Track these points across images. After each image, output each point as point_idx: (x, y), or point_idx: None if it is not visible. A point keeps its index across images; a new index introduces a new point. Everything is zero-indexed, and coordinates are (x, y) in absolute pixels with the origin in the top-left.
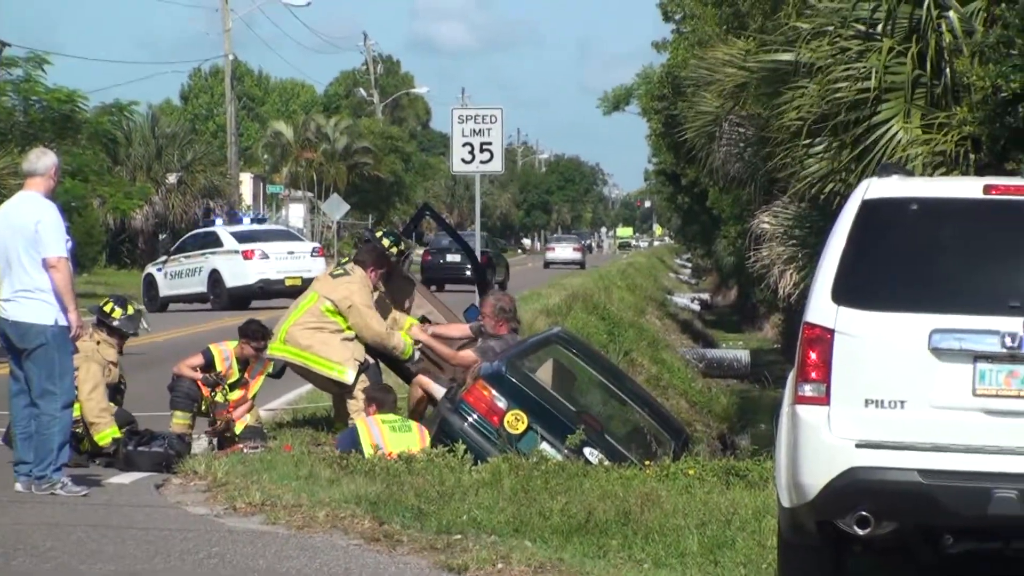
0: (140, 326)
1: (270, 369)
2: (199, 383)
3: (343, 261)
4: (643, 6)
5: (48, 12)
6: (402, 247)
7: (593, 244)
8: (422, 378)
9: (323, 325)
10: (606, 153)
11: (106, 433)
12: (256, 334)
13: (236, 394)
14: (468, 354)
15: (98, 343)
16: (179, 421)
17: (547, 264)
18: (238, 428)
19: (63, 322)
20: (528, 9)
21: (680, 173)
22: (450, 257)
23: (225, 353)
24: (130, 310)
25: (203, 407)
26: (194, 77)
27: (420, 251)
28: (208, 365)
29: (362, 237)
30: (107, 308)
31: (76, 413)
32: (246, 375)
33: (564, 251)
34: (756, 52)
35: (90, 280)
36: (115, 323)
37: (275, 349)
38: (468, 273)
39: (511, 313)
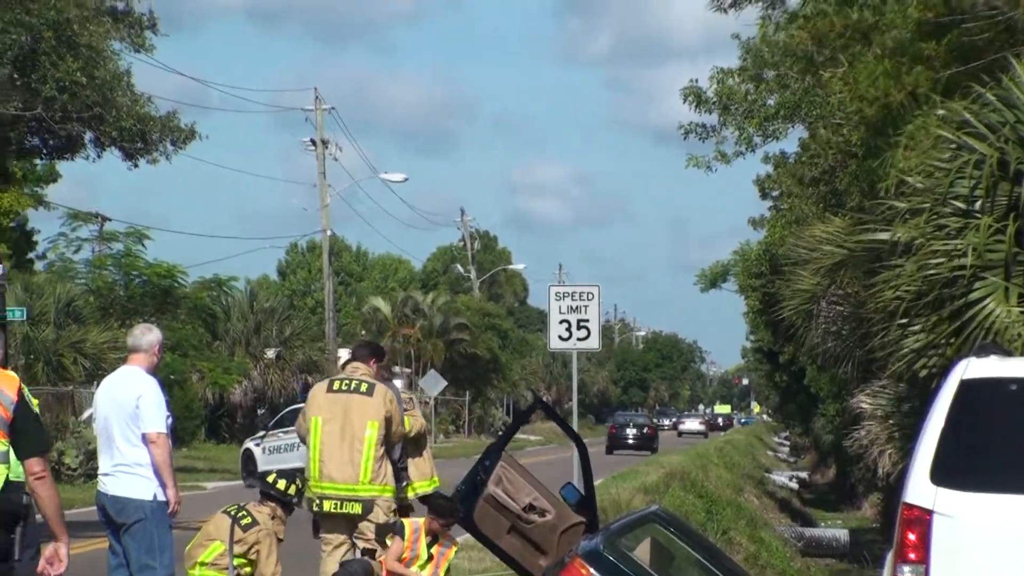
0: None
1: (456, 548)
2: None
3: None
4: (740, 183)
5: (147, 187)
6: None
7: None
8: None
9: (383, 448)
10: (703, 330)
11: None
12: (444, 510)
13: (425, 572)
14: None
15: (273, 518)
16: None
17: (680, 433)
18: None
19: (162, 497)
20: (624, 185)
21: (778, 351)
22: (627, 431)
23: (415, 525)
24: (299, 483)
25: None
26: (291, 252)
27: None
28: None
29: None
30: (280, 485)
31: None
32: (433, 551)
33: (693, 424)
34: (853, 230)
35: (189, 454)
36: (294, 500)
37: (365, 490)
38: (631, 441)
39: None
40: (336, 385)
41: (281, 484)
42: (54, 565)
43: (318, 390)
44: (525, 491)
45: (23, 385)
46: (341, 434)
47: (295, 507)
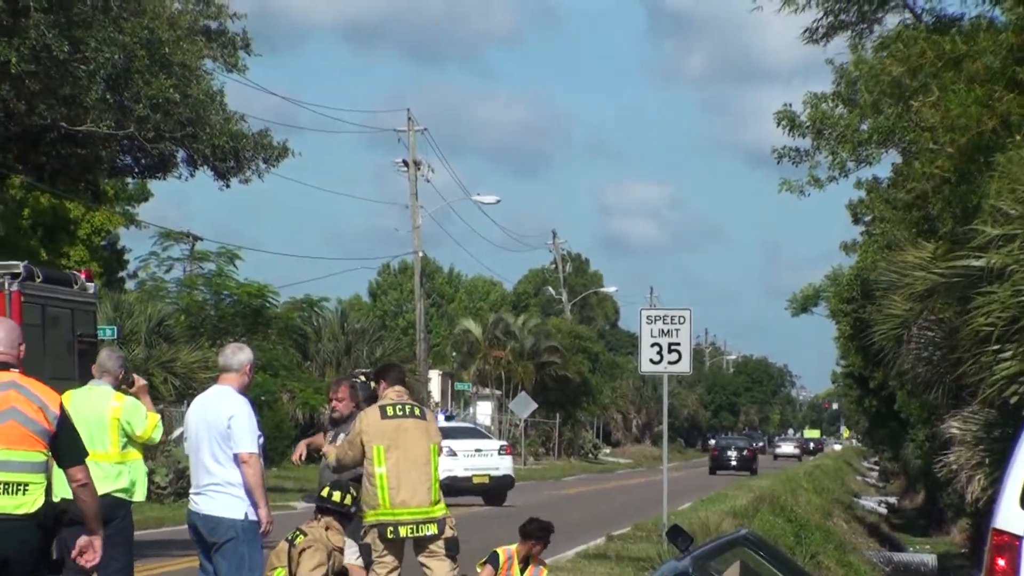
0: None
1: (548, 572)
2: None
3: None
4: (832, 208)
5: (239, 207)
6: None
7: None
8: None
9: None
10: (794, 354)
11: None
12: (535, 534)
13: None
14: None
15: (326, 528)
16: None
17: (776, 457)
18: None
19: (253, 517)
20: (717, 208)
21: (868, 376)
22: (729, 453)
23: (508, 553)
24: (354, 492)
25: None
26: (383, 273)
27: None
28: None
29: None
30: (336, 497)
31: None
32: (526, 574)
33: (788, 447)
34: (945, 257)
35: (279, 474)
36: (351, 510)
37: (438, 511)
38: (733, 463)
39: (364, 392)
40: (390, 411)
41: (336, 496)
42: (87, 554)
43: (371, 417)
44: None
45: (63, 400)
46: (407, 459)
47: (353, 516)
